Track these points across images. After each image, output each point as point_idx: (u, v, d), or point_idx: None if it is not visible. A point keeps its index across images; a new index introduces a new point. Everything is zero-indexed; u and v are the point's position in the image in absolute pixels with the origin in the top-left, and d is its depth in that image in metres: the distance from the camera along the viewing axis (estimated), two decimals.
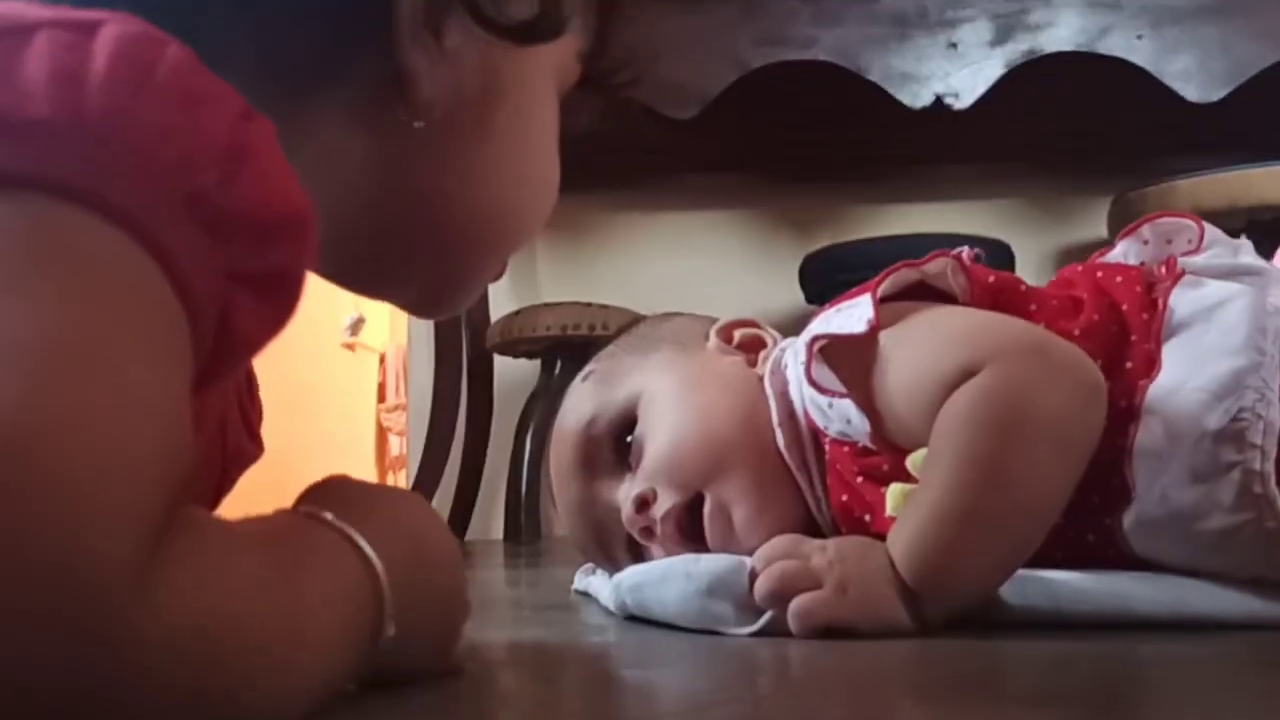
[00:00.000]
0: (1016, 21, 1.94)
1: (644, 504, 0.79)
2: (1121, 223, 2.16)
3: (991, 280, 0.75)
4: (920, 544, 0.61)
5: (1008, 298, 0.74)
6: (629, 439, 0.82)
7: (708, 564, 0.67)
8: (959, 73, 1.93)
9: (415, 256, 0.52)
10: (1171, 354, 0.67)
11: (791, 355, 0.81)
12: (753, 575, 0.63)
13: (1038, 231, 2.42)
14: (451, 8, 0.46)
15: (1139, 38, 1.91)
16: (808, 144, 2.31)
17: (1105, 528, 0.67)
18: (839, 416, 0.73)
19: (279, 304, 0.40)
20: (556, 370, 2.20)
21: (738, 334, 0.89)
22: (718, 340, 0.88)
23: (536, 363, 2.26)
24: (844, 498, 0.75)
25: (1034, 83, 1.94)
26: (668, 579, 0.67)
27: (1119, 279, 0.73)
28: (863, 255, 1.97)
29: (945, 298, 0.75)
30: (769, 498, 0.79)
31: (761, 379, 0.83)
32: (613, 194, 2.41)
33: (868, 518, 0.73)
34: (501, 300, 2.40)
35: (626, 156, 2.10)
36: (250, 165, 0.38)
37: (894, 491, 0.69)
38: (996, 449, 0.62)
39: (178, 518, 0.34)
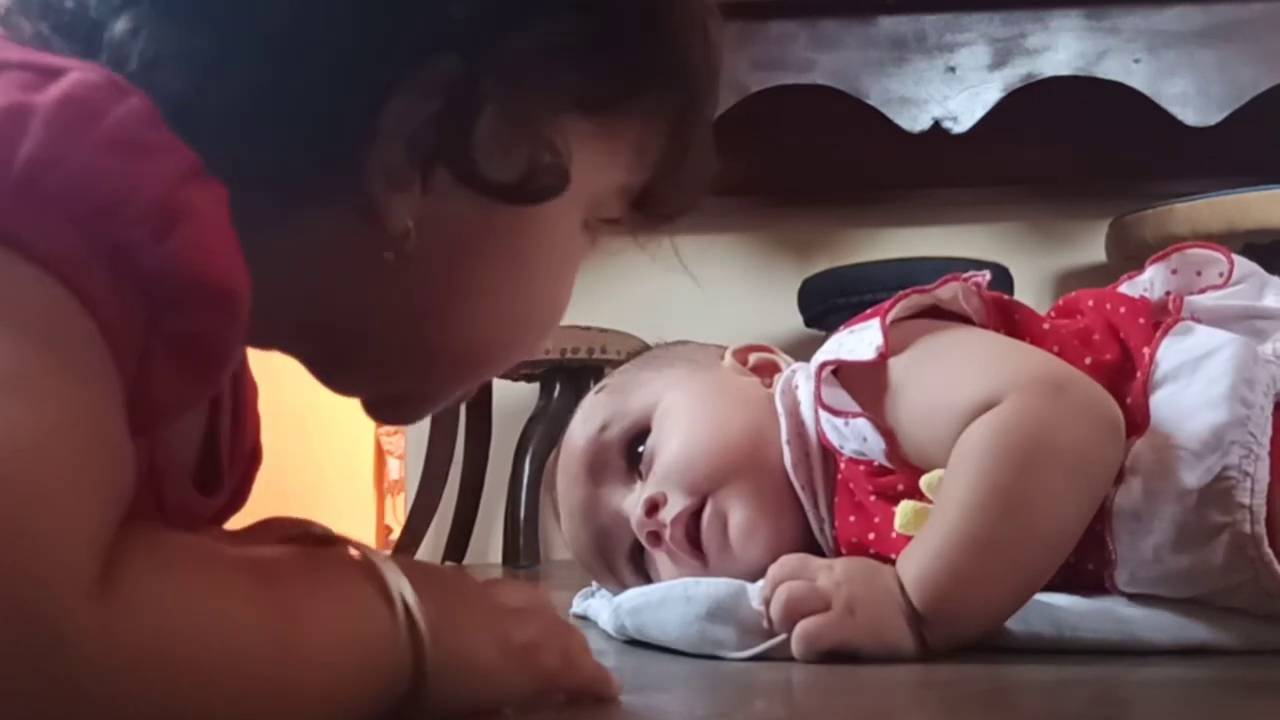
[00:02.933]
0: (1014, 45, 1.95)
1: (654, 507, 0.79)
2: (1119, 246, 2.17)
3: (1005, 301, 0.75)
4: (932, 571, 0.61)
5: (1022, 320, 0.74)
6: (640, 448, 0.83)
7: (707, 588, 0.66)
8: (957, 96, 1.94)
9: (389, 366, 0.51)
10: (1158, 408, 0.65)
11: (803, 375, 0.81)
12: (762, 597, 0.63)
13: (1036, 255, 2.42)
14: (437, 156, 0.45)
15: (1136, 61, 1.92)
16: (806, 167, 2.32)
17: (1098, 575, 0.67)
18: (855, 435, 0.73)
19: (198, 371, 0.39)
20: (555, 393, 2.19)
21: (752, 358, 0.90)
22: (733, 361, 0.89)
23: (535, 386, 2.25)
24: (851, 518, 0.75)
25: (1032, 106, 1.94)
26: (667, 602, 0.67)
27: (1140, 320, 0.71)
28: (861, 278, 1.97)
29: (958, 320, 0.75)
30: (767, 511, 0.79)
31: (773, 398, 0.83)
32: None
33: (871, 536, 0.73)
34: None
35: None
36: (186, 226, 0.37)
37: (904, 508, 0.69)
38: (1014, 480, 0.61)
39: (138, 535, 0.34)
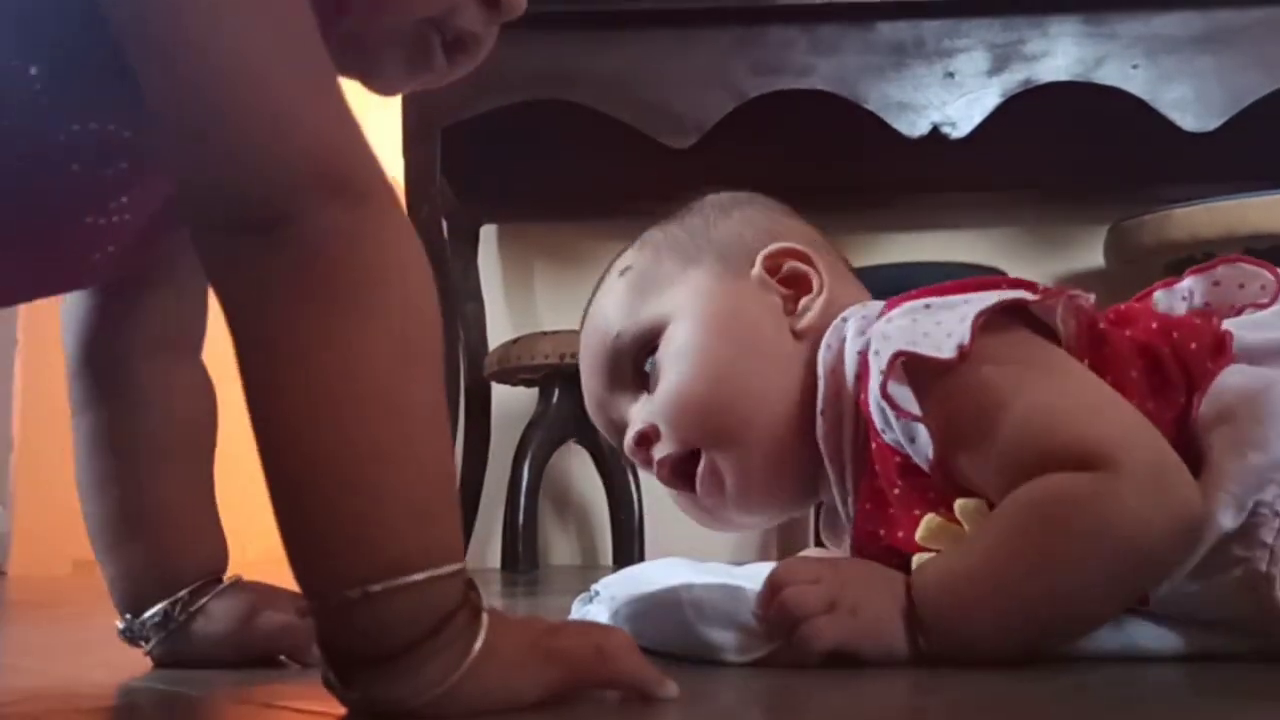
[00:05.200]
0: (1013, 51, 1.95)
1: (644, 440, 0.78)
2: (1119, 252, 2.17)
3: (1098, 331, 0.68)
4: (947, 599, 0.60)
5: (1109, 355, 0.67)
6: (648, 364, 0.79)
7: (703, 592, 0.66)
8: (956, 102, 1.94)
9: None
10: (1208, 449, 0.62)
11: (853, 329, 0.73)
12: (763, 599, 0.62)
13: (1034, 260, 2.42)
14: None
15: (1135, 67, 1.92)
16: (805, 172, 2.31)
17: None
18: (904, 430, 0.67)
19: None
20: (554, 398, 2.19)
21: (786, 266, 0.79)
22: (762, 272, 0.79)
23: (534, 391, 2.25)
24: (867, 505, 0.72)
25: (1030, 112, 1.95)
26: (664, 607, 0.66)
27: (1206, 360, 0.65)
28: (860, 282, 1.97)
29: (1045, 332, 0.68)
30: (768, 482, 0.76)
31: (801, 339, 0.76)
32: (611, 222, 2.41)
33: (882, 532, 0.70)
34: (499, 328, 2.40)
35: (625, 185, 2.10)
36: None
37: (930, 522, 0.66)
38: (1066, 557, 0.58)
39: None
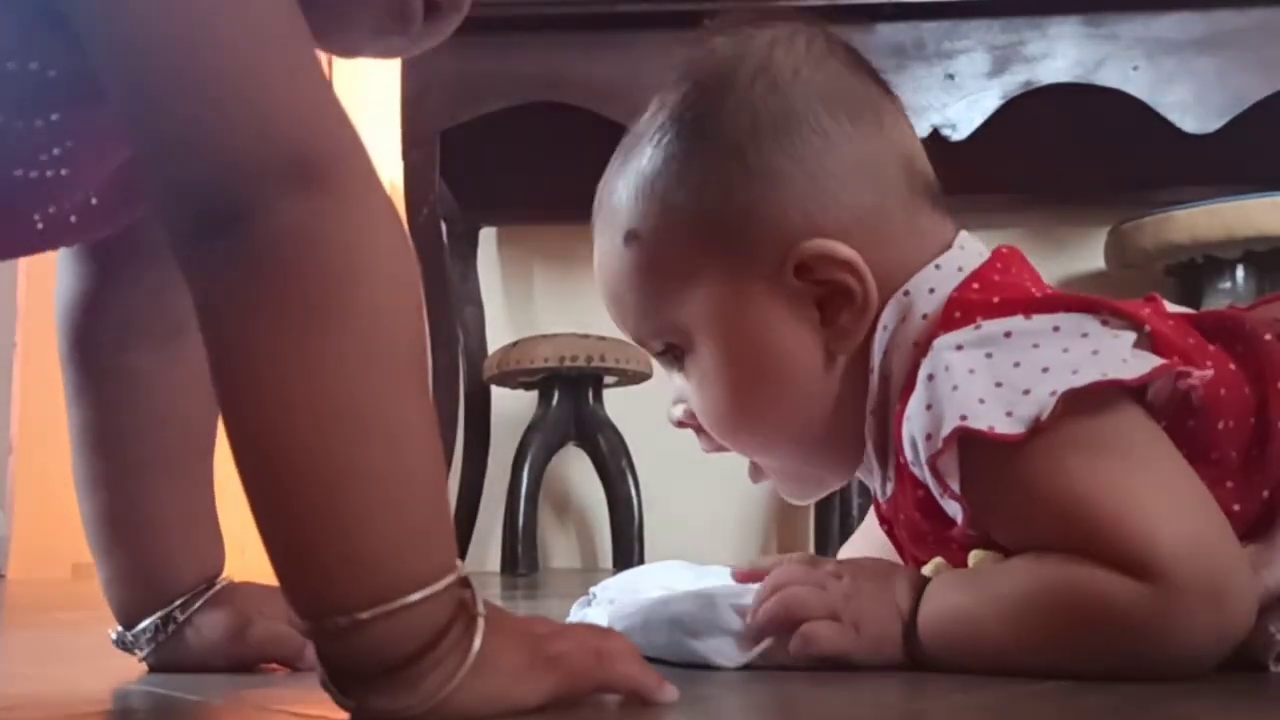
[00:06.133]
0: (1013, 53, 1.95)
1: (685, 424, 0.72)
2: (1119, 255, 2.17)
3: (1188, 405, 0.57)
4: (954, 646, 0.58)
5: (1195, 428, 0.58)
6: (674, 350, 0.70)
7: (680, 605, 0.64)
8: (956, 104, 1.94)
9: None
10: None
11: (917, 316, 0.63)
12: (761, 597, 0.61)
13: (1034, 262, 2.41)
14: None
15: (1135, 69, 1.92)
16: None
17: None
18: (931, 477, 0.59)
19: None
20: (554, 402, 2.19)
21: (821, 272, 0.64)
22: (793, 279, 0.65)
23: (534, 394, 2.25)
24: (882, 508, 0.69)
25: (1031, 114, 1.94)
26: (650, 625, 0.65)
27: None
28: None
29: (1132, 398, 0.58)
30: (814, 475, 0.72)
31: (841, 355, 0.66)
32: None
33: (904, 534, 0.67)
34: (498, 331, 2.40)
35: None
36: None
37: (938, 565, 0.63)
38: (1084, 651, 0.54)
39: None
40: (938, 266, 0.65)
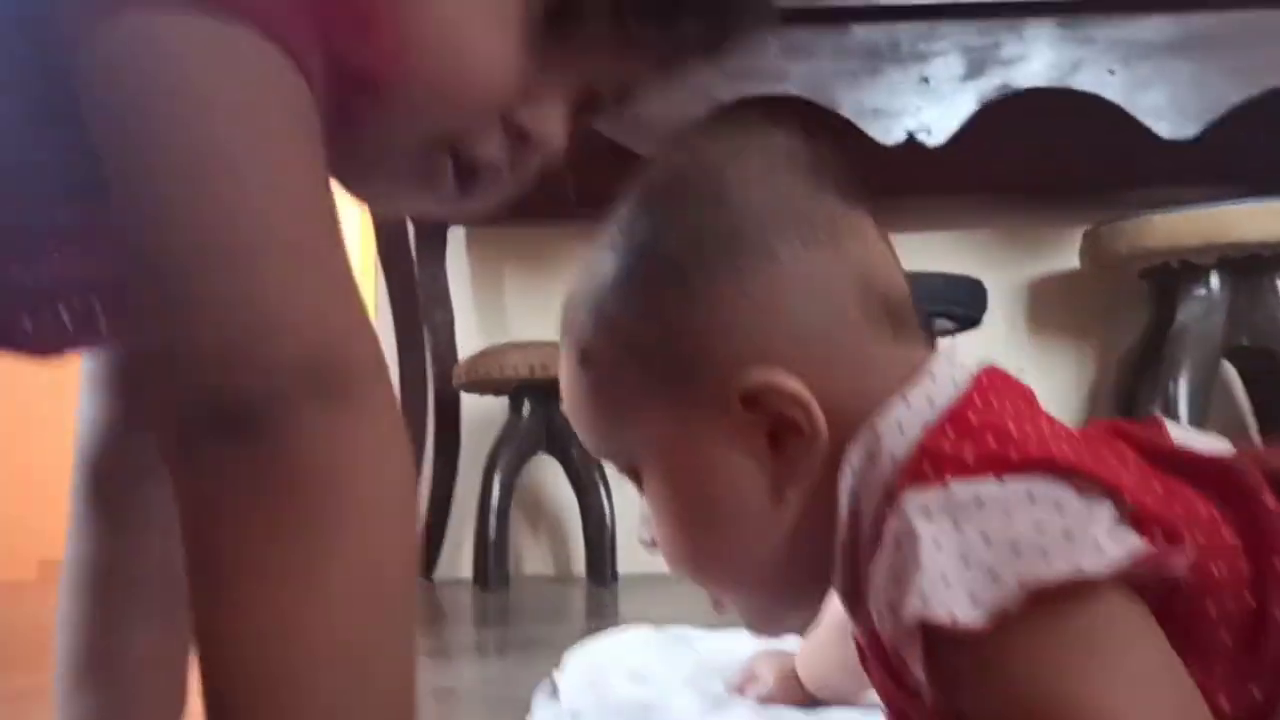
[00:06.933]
0: (989, 55, 1.92)
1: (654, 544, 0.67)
2: (1094, 257, 2.15)
3: (1184, 591, 0.52)
4: None
5: (1187, 613, 0.53)
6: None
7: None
8: (931, 108, 1.91)
9: None
10: None
11: (886, 456, 0.57)
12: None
13: (1010, 265, 2.40)
14: None
15: (1111, 73, 1.89)
16: None
17: None
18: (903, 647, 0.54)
19: None
20: (525, 411, 2.16)
21: (770, 401, 0.59)
22: (741, 409, 0.60)
23: (504, 402, 2.22)
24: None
25: (1006, 117, 1.92)
26: None
27: None
28: None
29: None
30: (779, 610, 0.67)
31: (794, 491, 0.62)
32: (582, 229, 2.39)
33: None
34: (469, 335, 2.36)
35: (596, 192, 2.06)
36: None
37: None
38: None
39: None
40: (906, 400, 0.58)
